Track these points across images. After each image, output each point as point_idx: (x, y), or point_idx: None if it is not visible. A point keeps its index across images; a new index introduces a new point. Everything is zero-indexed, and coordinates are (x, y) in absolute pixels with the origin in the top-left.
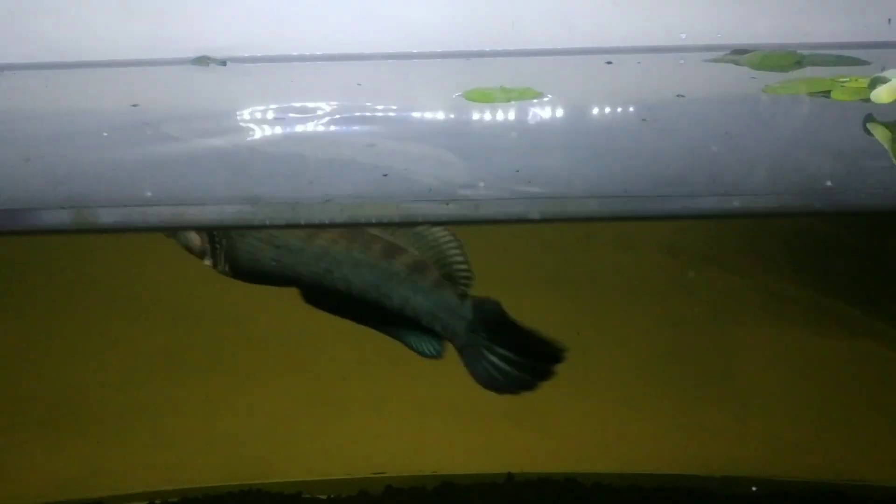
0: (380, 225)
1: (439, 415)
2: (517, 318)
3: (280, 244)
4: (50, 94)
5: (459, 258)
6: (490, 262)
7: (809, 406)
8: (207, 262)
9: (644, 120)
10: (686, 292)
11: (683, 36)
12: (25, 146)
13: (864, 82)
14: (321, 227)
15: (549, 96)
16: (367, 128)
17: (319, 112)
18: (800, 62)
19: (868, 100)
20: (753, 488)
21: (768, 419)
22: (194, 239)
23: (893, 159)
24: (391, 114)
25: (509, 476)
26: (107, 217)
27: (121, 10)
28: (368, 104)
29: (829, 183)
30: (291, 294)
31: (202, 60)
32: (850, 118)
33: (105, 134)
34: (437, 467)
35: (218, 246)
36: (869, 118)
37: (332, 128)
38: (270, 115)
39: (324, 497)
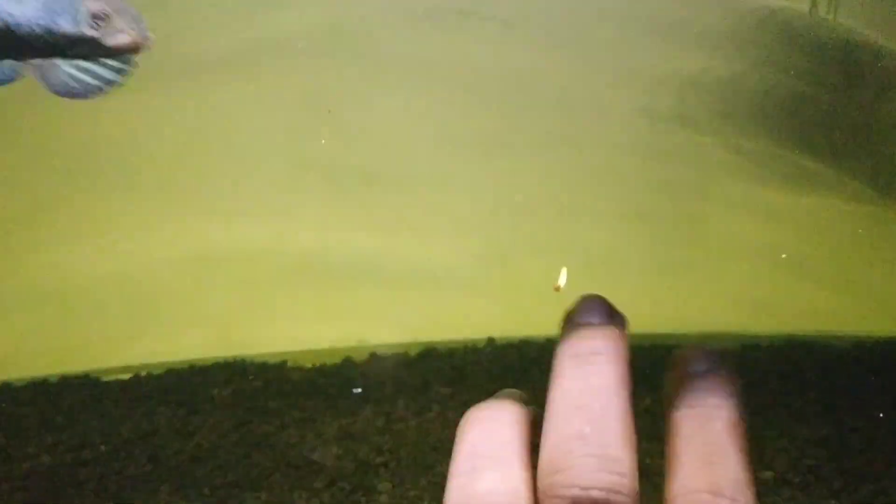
0: None
1: (421, 284)
2: None
3: None
4: None
5: None
6: None
7: (780, 263)
8: None
9: None
10: (660, 153)
11: None
12: None
13: None
14: None
15: None
16: None
17: None
18: None
19: None
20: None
21: (741, 277)
22: None
23: None
24: None
25: (490, 340)
26: None
27: None
28: None
29: None
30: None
31: None
32: None
33: None
34: (418, 334)
35: None
36: None
37: None
38: None
39: (309, 366)
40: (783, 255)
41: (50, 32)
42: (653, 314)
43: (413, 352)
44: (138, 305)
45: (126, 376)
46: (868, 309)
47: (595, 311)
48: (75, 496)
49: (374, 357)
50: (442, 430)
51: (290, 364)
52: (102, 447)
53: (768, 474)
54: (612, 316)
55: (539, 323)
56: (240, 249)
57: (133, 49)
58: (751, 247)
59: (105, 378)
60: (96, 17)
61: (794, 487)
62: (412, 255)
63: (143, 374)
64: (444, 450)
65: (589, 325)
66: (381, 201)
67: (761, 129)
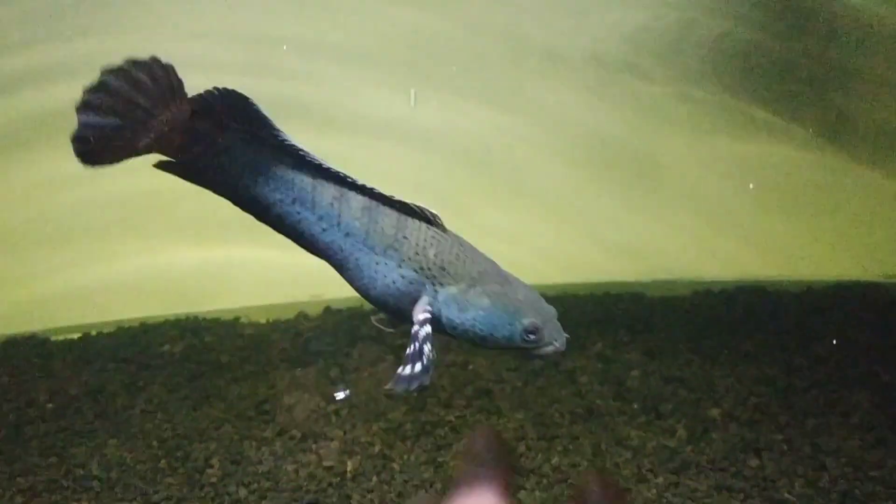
0: None
1: None
2: None
3: None
4: None
5: None
6: None
7: (732, 210)
8: None
9: None
10: (610, 102)
11: None
12: None
13: None
14: None
15: None
16: None
17: None
18: None
19: None
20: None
21: (692, 225)
22: None
23: None
24: None
25: None
26: None
27: None
28: None
29: None
30: None
31: None
32: None
33: None
34: None
35: None
36: None
37: None
38: None
39: (263, 321)
40: (750, 186)
41: (484, 340)
42: (604, 262)
43: (368, 305)
44: (88, 264)
45: (76, 335)
46: (819, 255)
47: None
48: (21, 453)
49: (328, 311)
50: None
51: (243, 320)
52: (49, 405)
53: (716, 412)
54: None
55: None
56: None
57: (551, 358)
58: (701, 195)
59: (54, 338)
60: (530, 332)
61: (742, 423)
62: None
63: (94, 332)
64: (398, 398)
65: None
66: (335, 149)
67: (711, 77)
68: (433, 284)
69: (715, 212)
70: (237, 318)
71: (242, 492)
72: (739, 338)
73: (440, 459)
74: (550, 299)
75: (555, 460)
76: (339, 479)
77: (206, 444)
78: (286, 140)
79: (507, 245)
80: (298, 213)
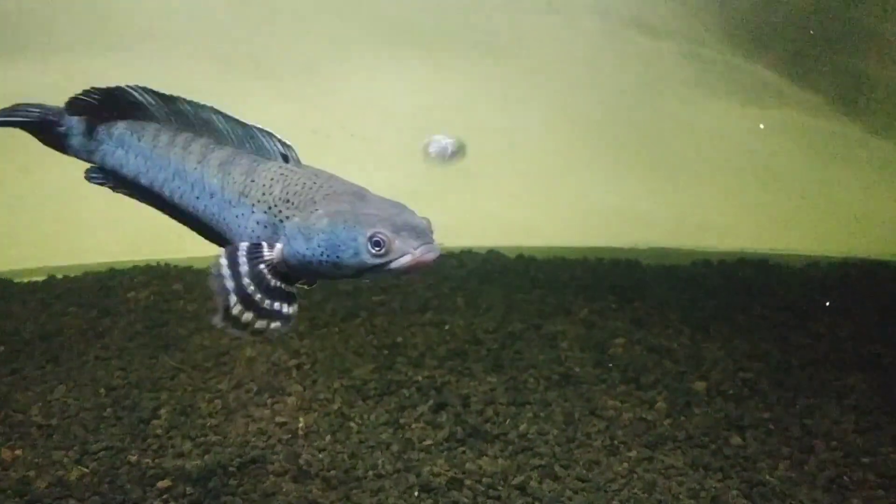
0: None
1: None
2: None
3: None
4: None
5: None
6: None
7: (737, 179)
8: None
9: None
10: (613, 58)
11: None
12: None
13: None
14: None
15: None
16: None
17: None
18: None
19: None
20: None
21: (694, 192)
22: None
23: None
24: None
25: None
26: None
27: None
28: None
29: None
30: None
31: None
32: None
33: None
34: None
35: None
36: None
37: None
38: None
39: None
40: (760, 125)
41: (338, 267)
42: (598, 227)
43: None
44: (57, 205)
45: (40, 278)
46: (826, 229)
47: None
48: None
49: None
50: (366, 335)
51: None
52: (1, 347)
53: (700, 385)
54: None
55: (489, 234)
56: None
57: (416, 269)
58: (704, 161)
59: (17, 279)
60: (377, 245)
61: (727, 398)
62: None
63: (60, 276)
64: (366, 355)
65: None
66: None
67: (721, 36)
68: (282, 221)
69: (719, 180)
70: (209, 266)
71: (187, 445)
72: (735, 311)
73: (402, 421)
74: (539, 263)
75: (522, 427)
76: (289, 435)
77: (156, 395)
78: (168, 113)
79: (494, 204)
80: (179, 187)
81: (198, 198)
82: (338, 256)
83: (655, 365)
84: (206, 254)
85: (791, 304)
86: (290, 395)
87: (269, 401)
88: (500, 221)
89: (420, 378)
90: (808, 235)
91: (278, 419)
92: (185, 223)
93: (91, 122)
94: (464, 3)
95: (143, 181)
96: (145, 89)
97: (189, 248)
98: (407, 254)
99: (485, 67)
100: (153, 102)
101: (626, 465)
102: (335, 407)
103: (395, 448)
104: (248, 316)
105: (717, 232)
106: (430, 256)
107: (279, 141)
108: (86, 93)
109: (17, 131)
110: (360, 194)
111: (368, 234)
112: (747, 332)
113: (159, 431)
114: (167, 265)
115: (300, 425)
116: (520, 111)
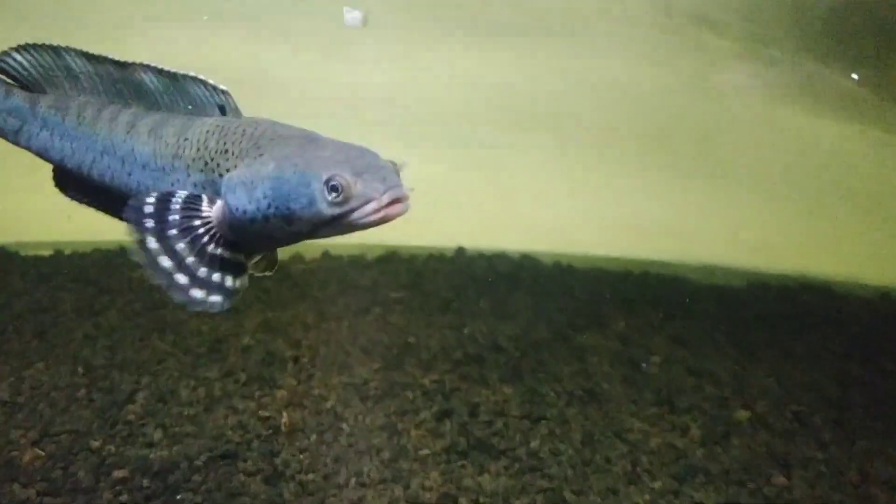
0: None
1: None
2: None
3: None
4: None
5: None
6: None
7: (801, 196)
8: None
9: None
10: (674, 56)
11: None
12: None
13: None
14: None
15: None
16: None
17: None
18: None
19: None
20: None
21: (756, 207)
22: None
23: None
24: None
25: (460, 249)
26: None
27: None
28: None
29: None
30: None
31: None
32: None
33: None
34: (380, 239)
35: None
36: None
37: None
38: None
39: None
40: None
41: (287, 220)
42: (645, 239)
43: (372, 255)
44: None
45: (47, 252)
46: None
47: None
48: None
49: (325, 255)
50: (376, 332)
51: None
52: None
53: (743, 414)
54: None
55: (513, 238)
56: None
57: (385, 220)
58: (766, 174)
59: (23, 252)
60: (335, 191)
61: (773, 432)
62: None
63: (67, 251)
64: (373, 353)
65: None
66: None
67: (791, 36)
68: (221, 175)
69: (781, 195)
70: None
71: (157, 434)
72: (790, 337)
73: (400, 426)
74: (577, 272)
75: (534, 443)
76: (270, 431)
77: (137, 378)
78: (95, 76)
79: (531, 205)
80: (109, 166)
81: (129, 174)
82: (288, 208)
83: (694, 388)
84: None
85: (857, 336)
86: (280, 388)
87: (256, 393)
88: (537, 225)
89: (427, 382)
90: (884, 263)
91: (262, 413)
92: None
93: (12, 92)
94: None
95: (71, 165)
96: (72, 50)
97: None
98: (371, 200)
99: (532, 54)
100: (80, 64)
101: (647, 496)
102: (328, 405)
103: (385, 455)
104: (181, 279)
105: (776, 252)
106: (400, 204)
107: (212, 87)
108: (6, 53)
109: None
110: (311, 137)
111: (324, 177)
112: (802, 361)
113: (131, 417)
114: None
115: (283, 420)
116: (566, 105)
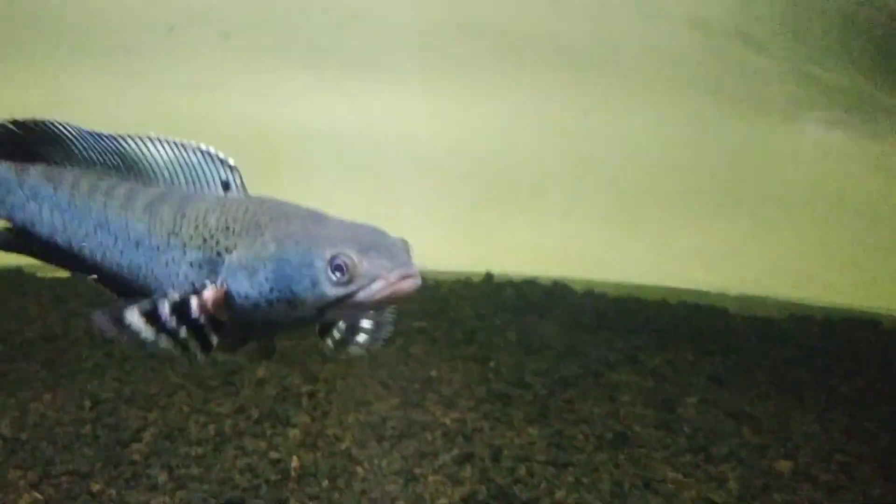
0: None
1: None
2: None
3: None
4: None
5: None
6: None
7: (849, 225)
8: None
9: None
10: (712, 75)
11: None
12: None
13: None
14: None
15: None
16: None
17: None
18: None
19: None
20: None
21: (798, 234)
22: None
23: None
24: None
25: (488, 275)
26: None
27: None
28: None
29: None
30: None
31: None
32: None
33: None
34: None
35: None
36: None
37: None
38: None
39: None
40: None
41: (291, 305)
42: (682, 267)
43: None
44: None
45: (64, 275)
46: None
47: None
48: None
49: None
50: (396, 364)
51: None
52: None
53: (785, 464)
54: None
55: (544, 263)
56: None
57: (394, 300)
58: (812, 201)
59: (40, 274)
60: (339, 270)
61: (817, 485)
62: None
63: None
64: (393, 387)
65: None
66: None
67: (839, 55)
68: (220, 254)
69: (827, 222)
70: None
71: (162, 476)
72: (836, 377)
73: (418, 471)
74: (610, 300)
75: (559, 493)
76: (280, 476)
77: (145, 413)
78: (91, 150)
79: (563, 231)
80: (102, 242)
81: (122, 252)
82: (291, 291)
83: (732, 433)
84: None
85: None
86: (293, 426)
87: (268, 431)
88: (569, 251)
89: (448, 421)
90: None
91: (272, 455)
92: (111, 289)
93: (1, 163)
94: (543, 8)
95: (60, 240)
96: (66, 124)
97: None
98: (378, 279)
99: (563, 77)
100: (75, 137)
101: None
102: (342, 446)
103: None
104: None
105: (822, 283)
106: (410, 283)
107: (220, 161)
108: (13, 123)
109: None
110: (316, 216)
111: (328, 256)
112: (850, 404)
113: (136, 457)
114: None
115: (294, 465)
116: (599, 127)
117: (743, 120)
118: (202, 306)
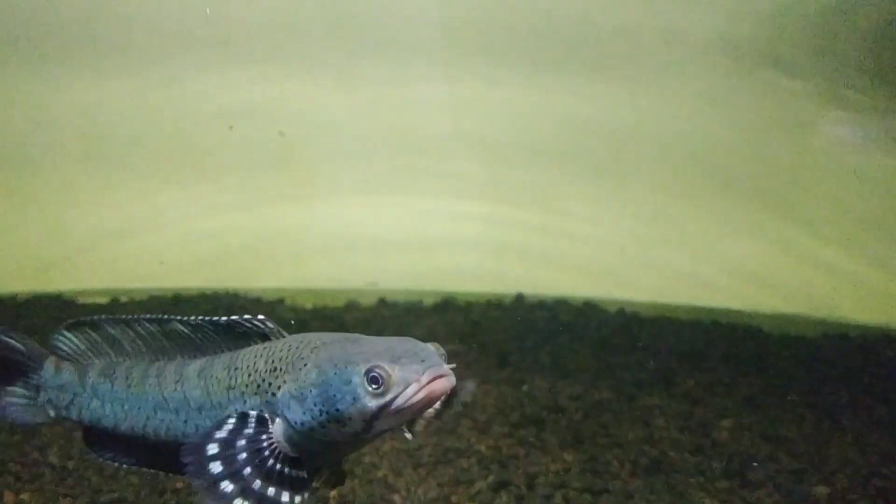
0: None
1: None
2: None
3: None
4: None
5: None
6: None
7: (883, 242)
8: None
9: None
10: (740, 97)
11: None
12: None
13: None
14: None
15: None
16: None
17: None
18: None
19: None
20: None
21: (832, 254)
22: None
23: None
24: None
25: (519, 296)
26: None
27: None
28: None
29: None
30: None
31: None
32: None
33: None
34: (437, 285)
35: None
36: None
37: None
38: None
39: (308, 306)
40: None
41: (340, 423)
42: (715, 285)
43: (428, 302)
44: (134, 226)
45: (104, 300)
46: None
47: None
48: None
49: (382, 303)
50: None
51: (287, 302)
52: None
53: (822, 490)
54: None
55: (586, 283)
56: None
57: (431, 401)
58: (845, 220)
59: (81, 300)
60: (375, 382)
61: None
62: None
63: (124, 299)
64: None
65: None
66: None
67: (871, 75)
68: (274, 394)
69: (861, 241)
70: (281, 300)
71: None
72: (875, 399)
73: (454, 499)
74: (642, 320)
75: None
76: None
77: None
78: (135, 338)
79: (594, 249)
80: (163, 420)
81: (185, 421)
82: (337, 409)
83: (768, 458)
84: (278, 285)
85: None
86: None
87: None
88: (601, 270)
89: (483, 448)
90: None
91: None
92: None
93: (61, 367)
94: (573, 26)
95: (124, 428)
96: (110, 319)
97: (261, 277)
98: (412, 383)
99: (596, 97)
100: (119, 331)
101: None
102: (380, 474)
103: None
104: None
105: (858, 300)
106: (442, 382)
107: (253, 323)
108: (68, 329)
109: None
110: (353, 338)
111: (363, 370)
112: (887, 426)
113: (180, 485)
114: (235, 293)
115: (332, 493)
116: (631, 146)
117: (776, 139)
118: (271, 440)
